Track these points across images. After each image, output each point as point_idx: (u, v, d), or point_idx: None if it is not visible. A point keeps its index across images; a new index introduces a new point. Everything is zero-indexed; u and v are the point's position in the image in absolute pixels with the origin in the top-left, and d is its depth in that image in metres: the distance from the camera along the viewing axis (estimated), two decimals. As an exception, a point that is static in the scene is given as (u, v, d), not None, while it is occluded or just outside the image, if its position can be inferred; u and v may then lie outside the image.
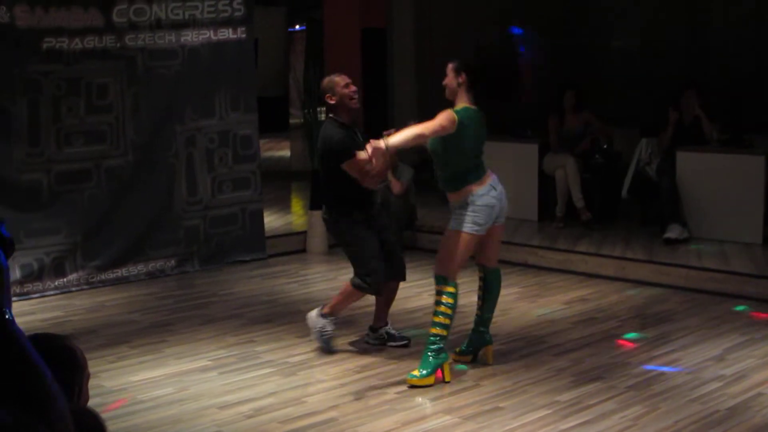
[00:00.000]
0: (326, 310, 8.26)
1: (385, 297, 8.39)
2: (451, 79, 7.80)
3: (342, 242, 8.33)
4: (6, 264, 2.49)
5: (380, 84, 16.12)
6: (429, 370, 7.44)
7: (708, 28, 14.75)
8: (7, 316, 2.40)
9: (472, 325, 8.23)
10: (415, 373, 7.45)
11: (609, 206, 13.26)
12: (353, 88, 8.11)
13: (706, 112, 12.23)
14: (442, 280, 7.66)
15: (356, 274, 8.13)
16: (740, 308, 9.18)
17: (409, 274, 10.37)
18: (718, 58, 14.43)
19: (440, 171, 7.75)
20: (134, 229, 10.98)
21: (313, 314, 8.29)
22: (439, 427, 6.60)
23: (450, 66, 7.85)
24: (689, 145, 12.21)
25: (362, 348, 8.42)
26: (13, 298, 9.69)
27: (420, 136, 7.41)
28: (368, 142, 7.23)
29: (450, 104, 7.74)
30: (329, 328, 8.24)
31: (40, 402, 2.40)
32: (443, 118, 7.48)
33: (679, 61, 14.83)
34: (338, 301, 8.27)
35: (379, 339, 8.46)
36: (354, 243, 8.11)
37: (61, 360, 3.34)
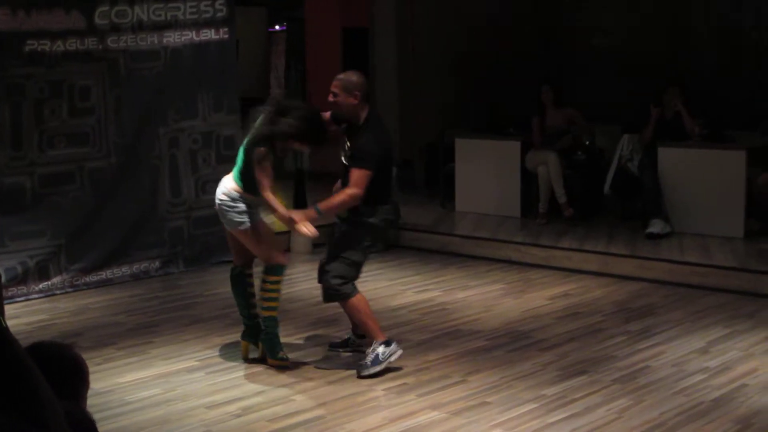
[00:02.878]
0: (369, 340, 7.88)
1: None
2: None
3: (342, 243, 7.92)
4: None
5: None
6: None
7: (689, 24, 14.82)
8: (2, 324, 2.42)
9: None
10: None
11: (591, 202, 13.32)
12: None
13: (687, 108, 12.29)
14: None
15: (331, 276, 7.82)
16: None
17: (394, 272, 10.47)
18: (700, 53, 14.50)
19: None
20: (118, 230, 10.96)
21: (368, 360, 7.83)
22: (426, 423, 6.63)
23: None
24: (671, 140, 12.28)
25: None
26: (-2, 302, 9.70)
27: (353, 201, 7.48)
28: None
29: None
30: (380, 349, 7.74)
31: (37, 410, 2.42)
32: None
33: (660, 58, 14.89)
34: (361, 323, 7.90)
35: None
36: (353, 248, 7.83)
37: (68, 369, 3.37)
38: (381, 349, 7.65)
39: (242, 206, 7.76)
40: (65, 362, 3.40)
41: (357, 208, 7.65)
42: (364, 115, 7.68)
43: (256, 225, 7.86)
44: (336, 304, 8.03)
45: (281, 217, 7.68)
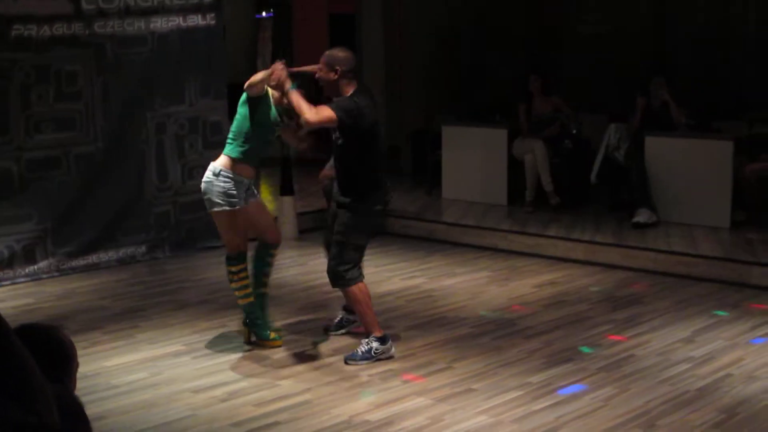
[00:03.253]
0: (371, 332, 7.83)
1: None
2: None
3: (345, 229, 7.75)
4: None
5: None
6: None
7: (676, 13, 14.82)
8: None
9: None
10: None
11: (578, 191, 13.33)
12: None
13: (674, 97, 12.31)
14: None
15: (336, 261, 7.74)
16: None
17: (380, 259, 10.47)
18: (687, 43, 14.51)
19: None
20: (105, 215, 10.94)
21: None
22: (411, 409, 6.65)
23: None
24: (658, 130, 12.29)
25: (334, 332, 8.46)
26: (-17, 286, 9.71)
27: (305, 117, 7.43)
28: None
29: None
30: (374, 344, 7.74)
31: (28, 395, 2.43)
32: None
33: (647, 47, 14.90)
34: (360, 314, 7.86)
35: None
36: (356, 233, 7.75)
37: (57, 351, 3.38)
38: (375, 345, 7.67)
39: (225, 185, 7.72)
40: (53, 344, 3.41)
41: (354, 193, 7.65)
42: (349, 91, 7.64)
43: (229, 212, 7.79)
44: (327, 290, 8.04)
45: (261, 75, 7.61)
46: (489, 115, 14.01)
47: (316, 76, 7.73)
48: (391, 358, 7.72)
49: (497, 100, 14.64)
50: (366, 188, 7.63)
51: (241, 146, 7.76)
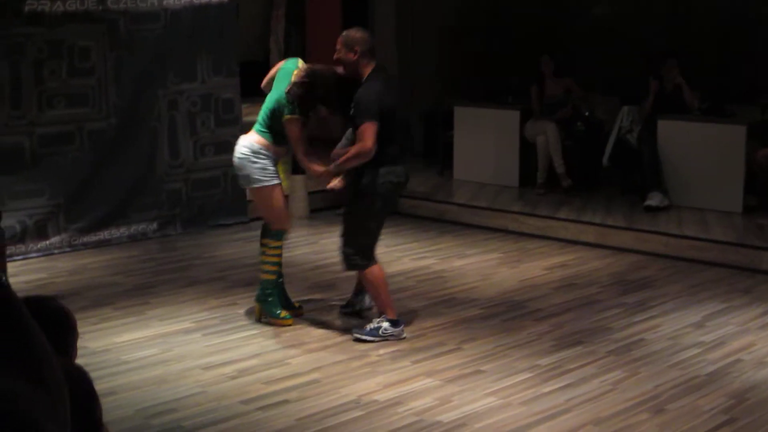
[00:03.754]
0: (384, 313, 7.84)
1: None
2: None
3: (355, 212, 7.81)
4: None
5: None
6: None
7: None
8: (3, 281, 2.42)
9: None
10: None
11: (590, 173, 13.31)
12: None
13: (687, 80, 12.27)
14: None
15: (349, 246, 7.76)
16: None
17: (391, 239, 10.46)
18: (700, 26, 14.46)
19: None
20: (116, 191, 10.95)
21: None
22: (420, 389, 6.65)
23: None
24: (670, 113, 12.26)
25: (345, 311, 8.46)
26: (-4, 260, 9.72)
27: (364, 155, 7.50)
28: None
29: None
30: (384, 324, 7.73)
31: (38, 366, 2.43)
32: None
33: (660, 29, 14.85)
34: (374, 296, 7.88)
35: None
36: (366, 216, 7.76)
37: (55, 322, 3.38)
38: (386, 325, 7.67)
39: (263, 162, 7.84)
40: (52, 315, 3.41)
41: (357, 175, 7.64)
42: (367, 71, 7.65)
43: (274, 186, 7.90)
44: (338, 269, 8.04)
45: (311, 170, 7.83)
46: (501, 97, 13.98)
47: (335, 57, 7.72)
48: (399, 339, 7.71)
49: (510, 81, 14.59)
50: (378, 164, 7.61)
51: (272, 130, 7.85)
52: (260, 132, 7.86)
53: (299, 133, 7.72)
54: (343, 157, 7.57)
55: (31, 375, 2.39)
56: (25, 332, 2.43)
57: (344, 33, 7.73)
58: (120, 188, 10.98)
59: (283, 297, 8.28)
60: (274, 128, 7.82)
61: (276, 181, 7.92)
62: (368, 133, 7.40)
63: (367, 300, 8.30)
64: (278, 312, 8.10)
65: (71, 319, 3.50)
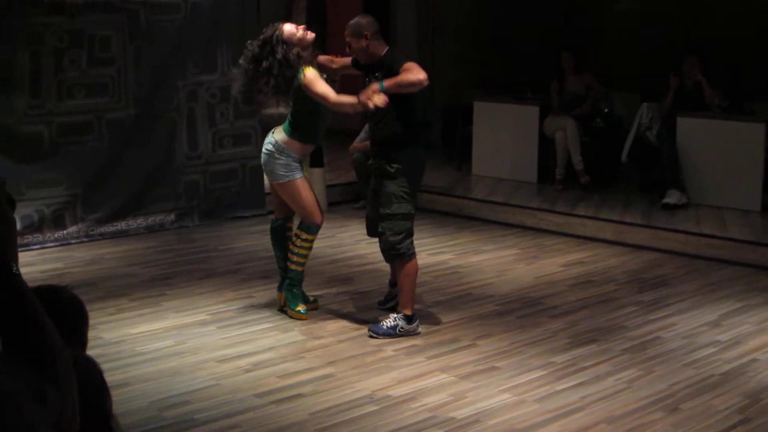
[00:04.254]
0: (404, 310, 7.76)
1: None
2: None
3: (386, 200, 7.68)
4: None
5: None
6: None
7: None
8: (14, 270, 2.43)
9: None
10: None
11: (608, 170, 13.28)
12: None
13: (707, 78, 12.22)
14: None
15: (388, 235, 7.67)
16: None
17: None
18: (720, 23, 14.40)
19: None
20: (134, 182, 10.97)
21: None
22: (434, 386, 6.64)
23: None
24: (690, 110, 12.22)
25: (360, 306, 8.46)
26: (13, 249, 9.72)
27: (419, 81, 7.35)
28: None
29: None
30: (401, 322, 7.70)
31: (47, 356, 2.43)
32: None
33: (681, 26, 14.80)
34: (401, 286, 7.78)
35: None
36: (398, 201, 7.67)
37: (69, 311, 3.38)
38: (402, 323, 7.65)
39: (286, 159, 7.85)
40: (65, 305, 3.41)
41: (388, 156, 7.60)
42: (383, 50, 7.65)
43: (298, 181, 7.91)
44: (354, 263, 8.01)
45: (351, 105, 7.52)
46: (521, 92, 13.96)
47: (348, 51, 7.73)
48: (414, 335, 7.70)
49: (530, 76, 14.57)
50: (411, 141, 7.60)
51: (297, 128, 7.86)
52: (286, 130, 7.88)
53: (322, 87, 7.57)
54: (397, 78, 7.33)
55: (40, 364, 2.40)
56: (38, 326, 2.44)
57: (349, 24, 7.68)
58: (138, 179, 11.01)
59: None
60: (298, 126, 7.84)
61: (299, 175, 7.91)
62: (416, 66, 7.33)
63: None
64: (296, 306, 8.11)
65: (83, 308, 3.50)
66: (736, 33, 14.14)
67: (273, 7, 16.91)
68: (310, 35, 7.76)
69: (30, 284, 2.56)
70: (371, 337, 7.62)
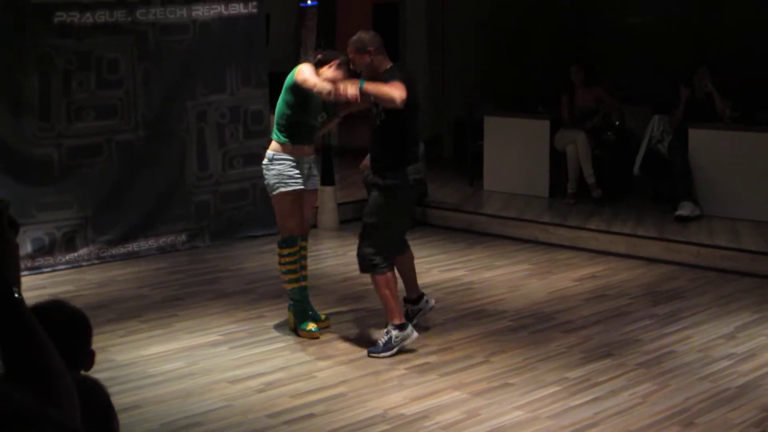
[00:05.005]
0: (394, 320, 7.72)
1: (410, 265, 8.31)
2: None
3: (371, 211, 7.70)
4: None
5: (392, 59, 16.09)
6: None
7: (720, 3, 14.69)
8: (16, 295, 2.40)
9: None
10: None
11: (620, 183, 13.24)
12: None
13: (718, 89, 12.18)
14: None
15: (364, 245, 7.70)
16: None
17: (420, 250, 10.39)
18: (731, 34, 14.37)
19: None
20: (145, 203, 10.96)
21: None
22: (448, 403, 6.60)
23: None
24: (701, 122, 12.17)
25: (372, 324, 8.40)
26: (25, 273, 9.76)
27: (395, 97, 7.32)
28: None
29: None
30: (393, 333, 7.64)
31: (49, 382, 2.41)
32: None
33: (691, 38, 14.77)
34: (383, 300, 7.72)
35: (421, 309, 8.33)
36: (382, 215, 7.65)
37: (76, 327, 3.35)
38: (395, 333, 7.61)
39: (279, 167, 7.87)
40: (75, 320, 3.37)
41: (382, 171, 7.60)
42: (387, 65, 7.65)
43: (284, 194, 7.89)
44: (366, 281, 7.97)
45: (327, 91, 7.53)
46: (531, 106, 13.93)
47: (352, 66, 7.73)
48: (414, 340, 7.67)
49: (540, 90, 14.54)
50: (404, 162, 7.57)
51: (285, 130, 7.92)
52: (275, 137, 7.99)
53: (306, 73, 7.68)
54: (377, 86, 7.36)
55: (41, 390, 2.37)
56: (39, 351, 2.41)
57: (351, 41, 7.71)
58: (148, 200, 10.99)
59: (311, 307, 8.27)
60: (286, 126, 7.91)
61: (288, 189, 7.89)
62: (399, 86, 7.29)
63: (431, 302, 8.31)
64: (305, 325, 8.08)
65: (86, 322, 3.45)
66: (746, 43, 14.10)
67: (283, 26, 16.94)
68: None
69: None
70: (371, 357, 7.57)
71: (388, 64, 7.65)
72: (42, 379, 2.39)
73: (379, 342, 7.66)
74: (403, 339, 7.62)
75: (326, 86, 7.54)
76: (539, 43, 16.00)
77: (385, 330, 7.68)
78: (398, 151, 7.57)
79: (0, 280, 2.37)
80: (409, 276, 8.27)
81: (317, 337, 8.02)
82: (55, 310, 3.28)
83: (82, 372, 3.36)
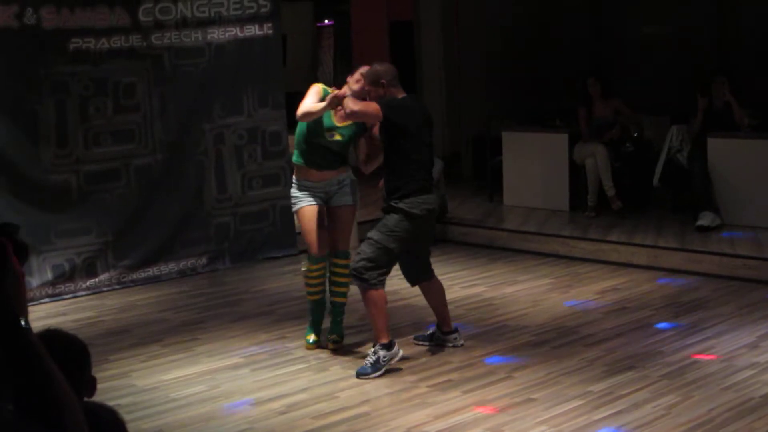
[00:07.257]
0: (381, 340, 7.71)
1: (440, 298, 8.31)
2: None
3: (377, 227, 7.72)
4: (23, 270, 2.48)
5: (408, 77, 16.11)
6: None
7: (738, 12, 14.66)
8: (23, 325, 2.39)
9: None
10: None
11: (640, 194, 13.20)
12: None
13: (736, 97, 12.13)
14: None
15: (359, 257, 7.69)
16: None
17: (440, 267, 10.37)
18: (749, 43, 14.33)
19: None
20: (164, 227, 10.98)
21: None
22: (471, 420, 6.58)
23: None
24: (720, 131, 12.13)
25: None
26: (45, 299, 9.80)
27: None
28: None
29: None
30: (381, 353, 7.63)
31: (57, 411, 2.40)
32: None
33: (709, 47, 14.74)
34: (371, 317, 7.77)
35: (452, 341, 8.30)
36: (385, 233, 7.63)
37: (75, 354, 3.34)
38: (382, 353, 7.59)
39: (294, 188, 8.21)
40: (64, 349, 3.34)
41: (387, 196, 7.67)
42: (399, 97, 7.69)
43: (300, 210, 8.15)
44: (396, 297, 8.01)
45: (322, 108, 7.75)
46: (549, 120, 13.91)
47: (368, 98, 7.72)
48: (399, 358, 7.67)
49: (557, 104, 14.52)
50: (410, 191, 7.57)
51: (300, 153, 8.13)
52: (294, 158, 8.21)
53: (307, 102, 7.88)
54: (353, 101, 7.59)
55: (49, 420, 2.36)
56: (47, 380, 2.40)
57: (365, 72, 7.77)
58: (168, 224, 11.01)
59: (319, 323, 8.42)
60: (302, 150, 8.12)
61: (296, 207, 8.22)
62: (369, 105, 7.53)
63: (460, 341, 8.28)
64: (306, 334, 8.38)
65: (85, 348, 3.42)
66: (764, 51, 14.06)
67: (300, 47, 17.00)
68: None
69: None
70: (360, 378, 7.54)
71: (401, 95, 7.68)
72: (50, 409, 2.38)
73: (367, 363, 7.63)
74: (391, 358, 7.62)
75: (321, 104, 7.75)
76: (556, 57, 15.97)
77: (372, 350, 7.66)
78: (402, 178, 7.61)
79: (4, 310, 2.36)
80: (440, 311, 8.27)
81: (309, 348, 8.27)
82: (52, 339, 3.28)
83: (99, 400, 3.36)
